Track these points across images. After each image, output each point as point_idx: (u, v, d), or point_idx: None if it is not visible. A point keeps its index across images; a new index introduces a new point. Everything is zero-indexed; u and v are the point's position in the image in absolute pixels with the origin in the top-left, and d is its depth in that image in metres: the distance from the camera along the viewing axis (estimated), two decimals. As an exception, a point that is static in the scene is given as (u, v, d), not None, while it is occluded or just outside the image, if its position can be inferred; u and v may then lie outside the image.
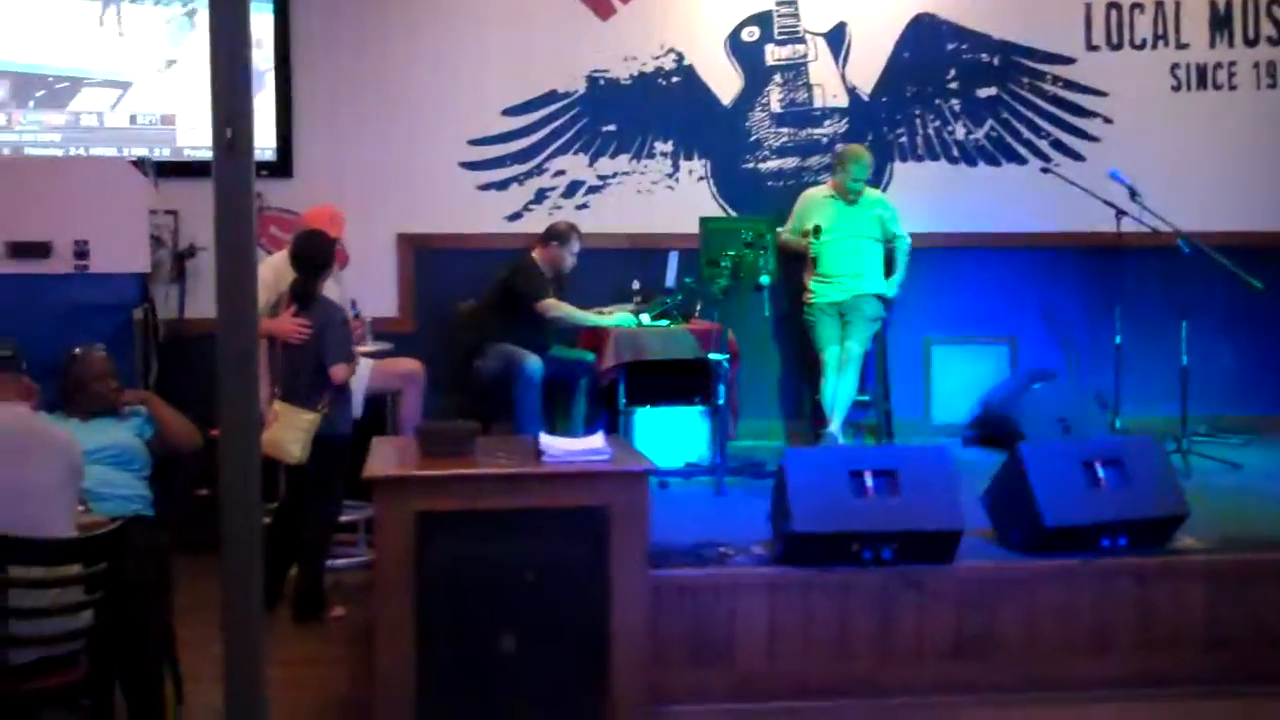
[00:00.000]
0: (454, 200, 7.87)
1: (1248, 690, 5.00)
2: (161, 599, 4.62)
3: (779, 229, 7.48)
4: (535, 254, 7.24)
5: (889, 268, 7.59)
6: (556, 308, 7.09)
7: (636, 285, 7.59)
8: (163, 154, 7.50)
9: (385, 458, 4.94)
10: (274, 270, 6.15)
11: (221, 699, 3.20)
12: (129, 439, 4.82)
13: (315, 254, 5.88)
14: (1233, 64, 8.38)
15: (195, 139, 7.54)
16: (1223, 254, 7.24)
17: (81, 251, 6.23)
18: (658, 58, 8.03)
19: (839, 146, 7.90)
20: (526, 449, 4.97)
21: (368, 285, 7.33)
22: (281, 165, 7.66)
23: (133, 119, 7.59)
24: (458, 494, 4.64)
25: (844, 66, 8.16)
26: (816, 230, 7.36)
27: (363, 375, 6.28)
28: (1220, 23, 8.39)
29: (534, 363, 6.89)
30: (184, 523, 4.90)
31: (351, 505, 6.22)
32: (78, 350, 4.95)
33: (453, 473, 4.69)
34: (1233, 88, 8.38)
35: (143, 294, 6.57)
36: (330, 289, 6.01)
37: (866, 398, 7.60)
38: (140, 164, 6.86)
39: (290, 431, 5.61)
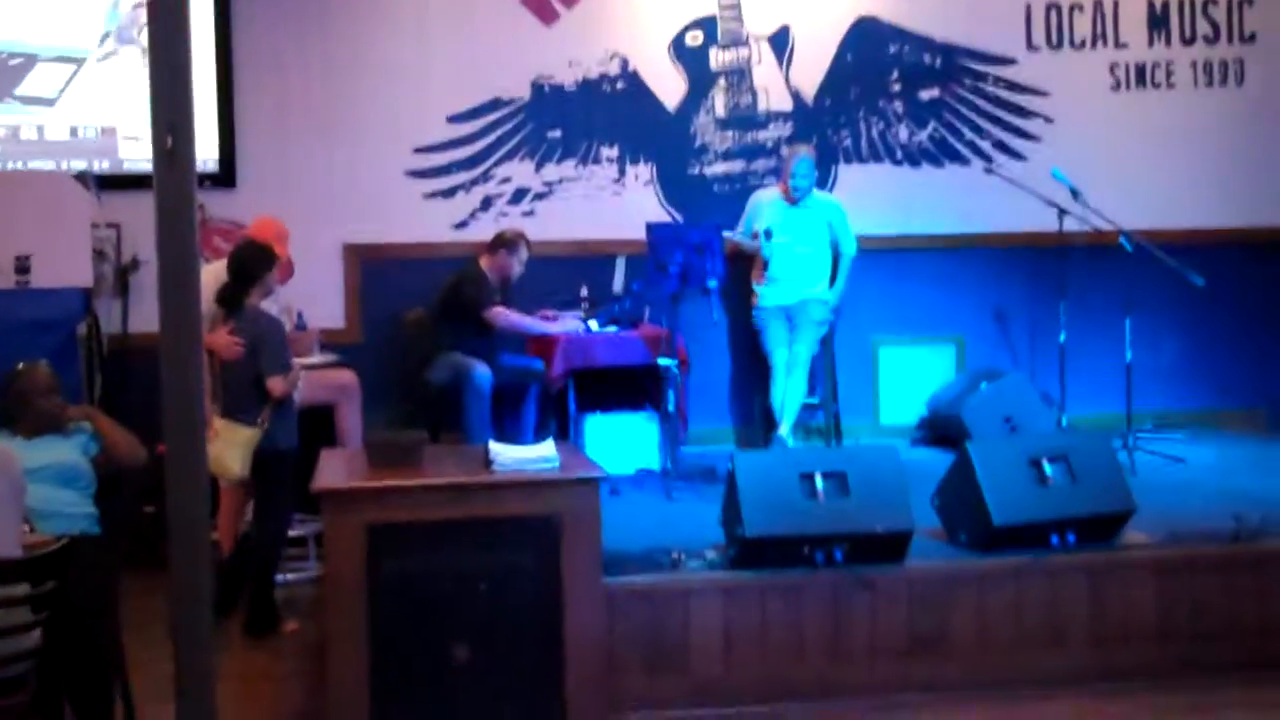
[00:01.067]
0: (400, 209, 7.83)
1: (1198, 681, 5.05)
2: (110, 618, 4.56)
3: (727, 232, 7.49)
4: (483, 262, 7.21)
5: (835, 273, 7.61)
6: (504, 315, 7.07)
7: (584, 291, 7.60)
8: (103, 167, 7.43)
9: (334, 470, 4.90)
10: (215, 276, 5.98)
11: (173, 717, 3.18)
12: (74, 456, 4.74)
13: (249, 262, 5.75)
14: (1170, 63, 8.49)
15: (136, 151, 7.47)
16: (1164, 251, 7.30)
17: (23, 266, 6.16)
18: (602, 63, 8.03)
19: (785, 148, 7.94)
20: (476, 458, 4.95)
21: (314, 296, 7.27)
22: (225, 176, 7.60)
23: (73, 131, 7.51)
24: (408, 505, 4.61)
25: (787, 70, 8.18)
26: (768, 233, 7.37)
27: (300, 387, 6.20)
28: (1157, 22, 8.49)
29: (482, 371, 6.86)
30: (130, 540, 4.85)
31: (301, 519, 6.17)
32: (21, 366, 4.86)
33: (402, 484, 4.66)
34: (1170, 86, 8.49)
35: (86, 308, 6.50)
36: (269, 306, 5.91)
37: (815, 400, 7.63)
38: (82, 177, 6.78)
39: (230, 448, 5.52)
